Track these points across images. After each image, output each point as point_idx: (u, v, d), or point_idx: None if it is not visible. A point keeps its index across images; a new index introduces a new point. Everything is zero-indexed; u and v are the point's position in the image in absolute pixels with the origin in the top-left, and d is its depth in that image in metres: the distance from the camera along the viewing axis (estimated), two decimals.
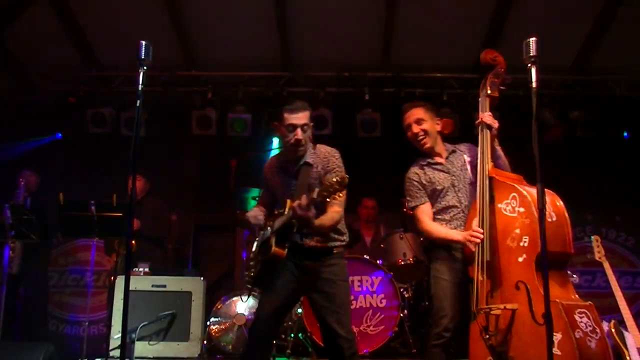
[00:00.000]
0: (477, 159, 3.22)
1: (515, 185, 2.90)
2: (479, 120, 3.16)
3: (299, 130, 3.12)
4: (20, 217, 4.96)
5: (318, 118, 6.31)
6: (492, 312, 2.79)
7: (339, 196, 2.78)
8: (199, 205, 7.19)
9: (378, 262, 5.07)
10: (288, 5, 6.15)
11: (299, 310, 4.91)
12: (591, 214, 6.75)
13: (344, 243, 3.24)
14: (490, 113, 3.16)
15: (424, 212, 3.29)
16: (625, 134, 6.71)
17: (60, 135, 6.98)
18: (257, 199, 3.67)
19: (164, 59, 6.33)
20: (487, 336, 2.79)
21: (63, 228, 4.96)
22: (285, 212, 3.00)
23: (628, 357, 3.50)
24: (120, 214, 4.72)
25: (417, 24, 6.30)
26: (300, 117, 3.13)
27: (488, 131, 3.11)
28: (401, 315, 4.78)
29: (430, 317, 3.24)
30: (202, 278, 4.95)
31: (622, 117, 6.74)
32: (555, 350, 2.51)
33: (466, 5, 6.09)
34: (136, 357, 4.45)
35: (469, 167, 3.31)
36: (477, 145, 3.24)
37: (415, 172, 3.35)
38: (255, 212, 3.33)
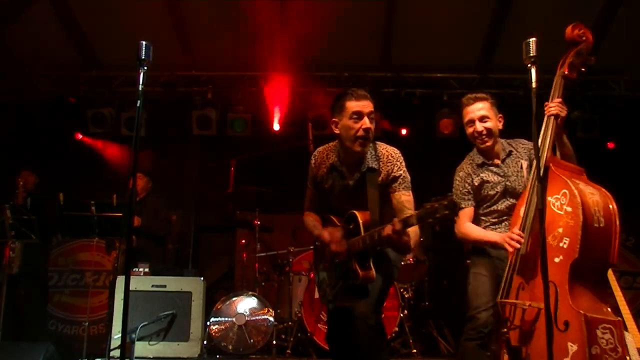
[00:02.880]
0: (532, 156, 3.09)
1: (568, 182, 2.70)
2: (547, 104, 2.89)
3: (366, 119, 2.73)
4: (20, 217, 4.96)
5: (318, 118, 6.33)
6: (518, 307, 2.71)
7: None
8: (199, 205, 7.19)
9: None
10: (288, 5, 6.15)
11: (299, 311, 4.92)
12: None
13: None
14: (560, 100, 2.87)
15: (465, 215, 3.14)
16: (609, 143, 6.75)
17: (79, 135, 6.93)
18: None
19: (164, 58, 6.33)
20: (505, 330, 2.70)
21: (63, 228, 4.96)
22: (362, 231, 2.66)
23: (628, 358, 3.49)
24: (121, 214, 4.73)
25: (417, 24, 6.30)
26: (366, 105, 2.75)
27: (553, 118, 2.85)
28: (401, 315, 4.77)
29: (466, 313, 3.07)
30: (202, 278, 4.95)
31: (622, 117, 6.74)
32: None
33: (466, 5, 6.09)
34: (136, 357, 4.45)
35: (525, 174, 3.12)
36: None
37: (468, 173, 3.17)
38: (330, 237, 2.81)
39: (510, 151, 3.19)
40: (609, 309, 2.67)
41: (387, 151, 2.88)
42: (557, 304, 2.57)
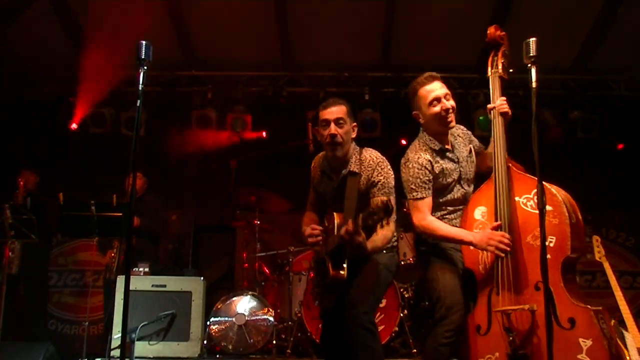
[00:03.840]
0: (478, 147, 3.14)
1: (545, 183, 2.67)
2: (492, 106, 2.94)
3: (332, 125, 2.91)
4: (20, 217, 4.95)
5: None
6: (509, 311, 2.68)
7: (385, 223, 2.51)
8: (199, 205, 7.19)
9: None
10: (288, 5, 6.15)
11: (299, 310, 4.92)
12: (591, 214, 6.74)
13: (388, 246, 2.99)
14: (504, 99, 2.95)
15: (426, 205, 2.90)
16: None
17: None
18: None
19: (164, 58, 6.34)
20: (511, 338, 2.63)
21: (63, 228, 4.96)
22: (335, 232, 2.81)
23: (628, 357, 3.49)
24: (120, 214, 4.73)
25: (417, 24, 6.30)
26: (332, 112, 2.94)
27: (502, 118, 2.91)
28: (401, 315, 4.77)
29: (434, 314, 2.93)
30: (202, 278, 4.94)
31: (622, 117, 6.74)
32: (583, 357, 2.46)
33: (466, 5, 6.09)
34: (136, 357, 4.44)
35: (474, 159, 3.08)
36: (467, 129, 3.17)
37: (428, 160, 2.92)
38: (311, 230, 3.00)
39: (456, 135, 3.11)
40: (582, 295, 2.72)
41: (370, 156, 2.99)
42: (553, 303, 2.56)
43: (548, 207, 2.63)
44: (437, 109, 2.93)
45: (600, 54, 6.47)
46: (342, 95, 6.62)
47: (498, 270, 2.74)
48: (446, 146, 3.02)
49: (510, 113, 2.94)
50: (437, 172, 2.94)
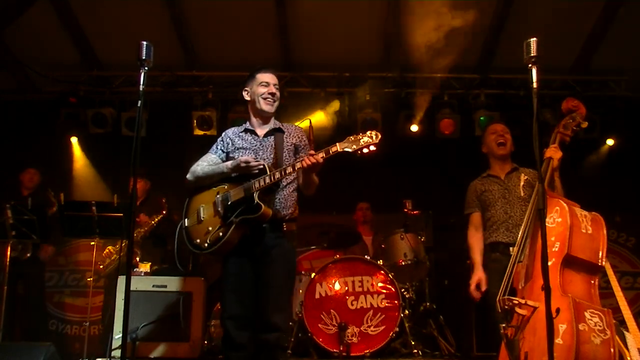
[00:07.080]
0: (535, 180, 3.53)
1: (561, 200, 3.05)
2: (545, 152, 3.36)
3: (272, 86, 3.32)
4: (21, 217, 4.95)
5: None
6: (512, 304, 2.91)
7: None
8: None
9: (379, 262, 5.07)
10: (288, 5, 6.15)
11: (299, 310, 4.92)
12: None
13: (293, 217, 3.27)
14: (555, 146, 3.37)
15: (472, 221, 3.77)
16: None
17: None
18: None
19: (164, 59, 6.33)
20: (504, 325, 2.91)
21: (63, 228, 4.95)
22: (268, 172, 3.04)
23: (629, 358, 3.49)
24: (121, 215, 4.73)
25: (417, 24, 6.29)
26: (272, 77, 3.36)
27: (550, 159, 3.30)
28: (402, 315, 4.77)
29: None
30: (202, 278, 4.95)
31: (622, 117, 6.73)
32: (558, 340, 2.60)
33: (466, 6, 6.08)
34: (136, 358, 4.45)
35: (522, 183, 3.65)
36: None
37: (475, 182, 3.81)
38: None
39: (516, 168, 3.75)
40: (599, 305, 2.86)
41: (292, 126, 3.46)
42: (549, 301, 2.67)
43: (558, 219, 2.99)
44: (492, 136, 3.78)
45: (600, 54, 6.47)
46: (342, 96, 6.72)
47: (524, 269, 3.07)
48: (497, 173, 3.76)
49: (555, 157, 3.32)
50: (479, 192, 3.76)
